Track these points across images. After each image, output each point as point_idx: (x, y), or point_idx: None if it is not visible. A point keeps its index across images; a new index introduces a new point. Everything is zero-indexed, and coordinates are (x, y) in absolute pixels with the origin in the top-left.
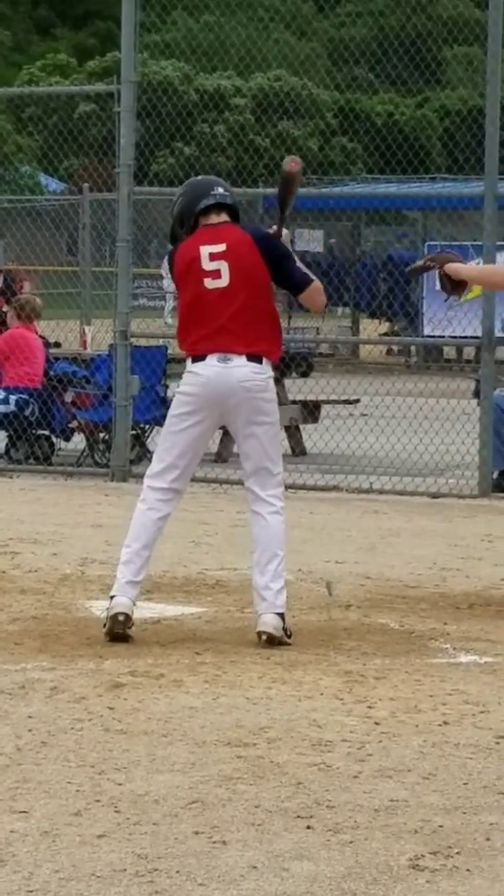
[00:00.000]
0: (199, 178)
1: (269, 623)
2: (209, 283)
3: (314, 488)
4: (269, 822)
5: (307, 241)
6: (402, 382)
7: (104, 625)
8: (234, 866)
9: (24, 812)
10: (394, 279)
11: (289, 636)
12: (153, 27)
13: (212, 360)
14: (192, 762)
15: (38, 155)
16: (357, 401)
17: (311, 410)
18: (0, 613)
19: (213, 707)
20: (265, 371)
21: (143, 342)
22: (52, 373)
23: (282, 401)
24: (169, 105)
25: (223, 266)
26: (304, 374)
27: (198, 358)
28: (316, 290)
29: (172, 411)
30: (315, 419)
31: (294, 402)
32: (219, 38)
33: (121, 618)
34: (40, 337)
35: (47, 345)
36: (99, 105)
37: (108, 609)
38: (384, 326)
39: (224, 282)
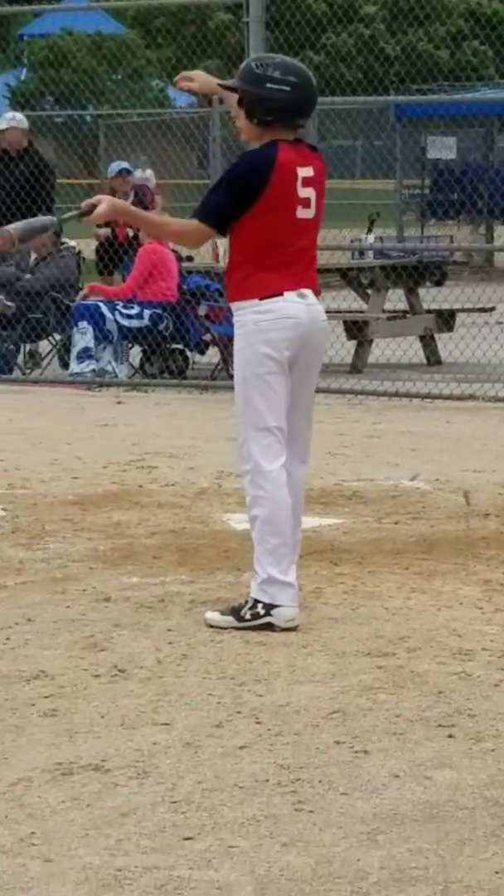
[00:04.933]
0: (303, 75)
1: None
2: (301, 212)
3: (450, 398)
4: (410, 731)
5: (439, 148)
6: None
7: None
8: (376, 775)
9: (166, 724)
10: None
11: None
12: None
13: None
14: (332, 673)
15: (168, 68)
16: (492, 309)
17: (445, 319)
18: (138, 527)
19: (352, 617)
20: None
21: None
22: (185, 287)
23: (416, 310)
24: (298, 14)
25: (312, 194)
26: (438, 283)
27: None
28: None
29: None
30: (450, 328)
31: (429, 311)
32: None
33: None
34: (172, 251)
35: (179, 259)
36: (236, 15)
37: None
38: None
39: (311, 213)
